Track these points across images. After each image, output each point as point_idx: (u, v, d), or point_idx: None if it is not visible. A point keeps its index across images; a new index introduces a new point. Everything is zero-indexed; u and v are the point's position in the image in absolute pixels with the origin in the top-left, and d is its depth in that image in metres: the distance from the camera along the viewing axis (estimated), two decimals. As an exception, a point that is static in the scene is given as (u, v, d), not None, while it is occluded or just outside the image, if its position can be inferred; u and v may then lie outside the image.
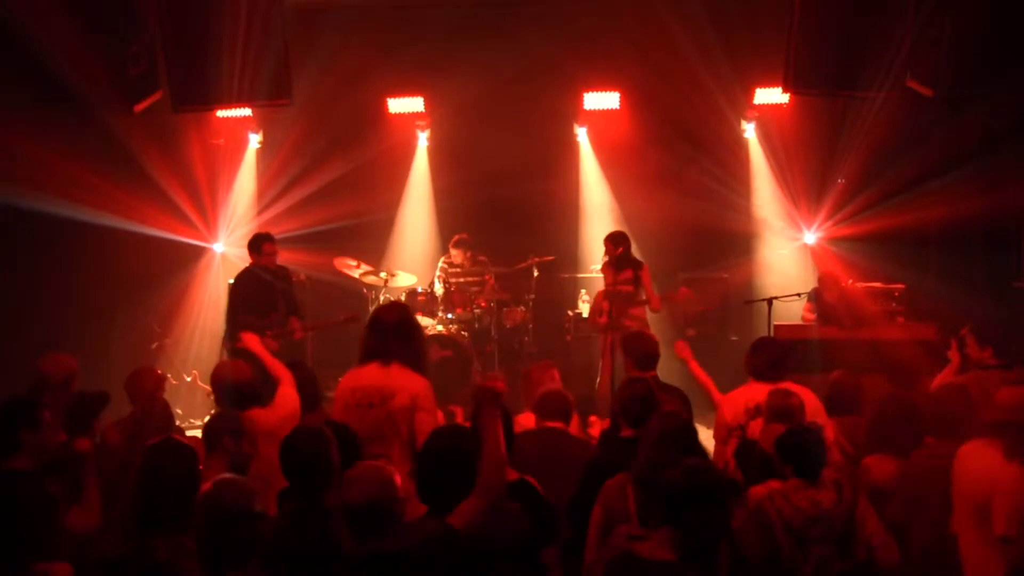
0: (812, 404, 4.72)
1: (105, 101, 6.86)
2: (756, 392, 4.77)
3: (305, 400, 4.70)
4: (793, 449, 3.82)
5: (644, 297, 7.91)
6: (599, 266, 8.33)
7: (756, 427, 4.62)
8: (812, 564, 3.61)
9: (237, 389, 4.62)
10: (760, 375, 4.91)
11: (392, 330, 4.51)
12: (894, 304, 8.22)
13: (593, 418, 5.80)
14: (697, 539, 3.11)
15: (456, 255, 9.26)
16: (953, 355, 5.71)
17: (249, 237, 7.86)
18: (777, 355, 4.99)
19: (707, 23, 8.70)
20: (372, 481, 3.22)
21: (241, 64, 7.04)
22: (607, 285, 7.79)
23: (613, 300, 7.60)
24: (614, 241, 7.94)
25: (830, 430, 4.66)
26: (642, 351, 5.32)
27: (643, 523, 3.48)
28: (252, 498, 3.27)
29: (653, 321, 8.15)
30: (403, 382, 4.38)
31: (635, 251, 8.20)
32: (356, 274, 9.02)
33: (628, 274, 7.86)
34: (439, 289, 9.13)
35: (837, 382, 5.22)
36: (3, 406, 3.88)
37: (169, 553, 3.21)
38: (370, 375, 4.44)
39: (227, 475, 3.43)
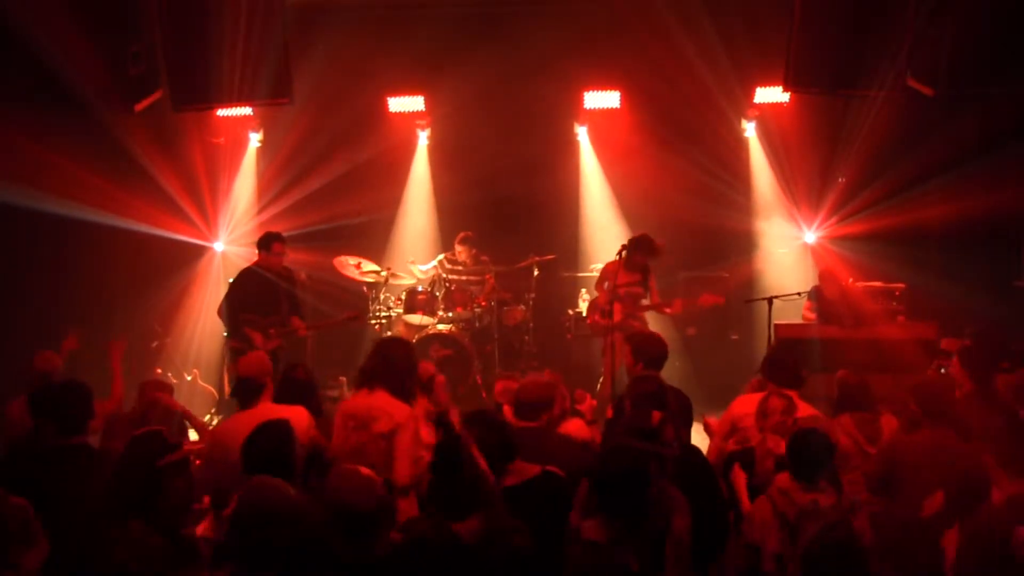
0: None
1: (105, 101, 6.85)
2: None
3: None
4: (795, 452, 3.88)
5: (647, 301, 7.88)
6: (601, 265, 8.28)
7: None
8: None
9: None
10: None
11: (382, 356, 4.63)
12: (894, 303, 8.23)
13: (580, 392, 5.90)
14: (622, 521, 3.20)
15: (461, 252, 9.26)
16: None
17: (259, 235, 7.86)
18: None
19: (707, 23, 8.70)
20: (356, 488, 3.18)
21: (241, 63, 7.02)
22: (616, 286, 7.58)
23: (620, 301, 7.57)
24: (640, 248, 7.63)
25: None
26: (655, 351, 5.33)
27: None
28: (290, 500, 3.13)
29: (653, 319, 8.16)
30: (386, 409, 4.43)
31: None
32: (356, 274, 9.02)
33: (638, 276, 7.81)
34: (421, 270, 9.19)
35: (844, 380, 5.23)
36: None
37: (125, 552, 3.14)
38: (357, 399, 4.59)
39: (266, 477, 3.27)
